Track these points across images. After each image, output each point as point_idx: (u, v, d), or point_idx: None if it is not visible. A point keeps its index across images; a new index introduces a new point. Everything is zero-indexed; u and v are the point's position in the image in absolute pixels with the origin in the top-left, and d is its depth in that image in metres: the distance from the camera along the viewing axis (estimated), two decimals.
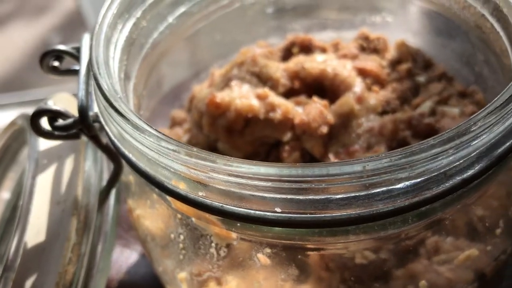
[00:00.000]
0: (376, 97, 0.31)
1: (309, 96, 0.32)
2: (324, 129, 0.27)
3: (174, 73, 0.35)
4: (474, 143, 0.17)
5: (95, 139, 0.23)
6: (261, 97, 0.29)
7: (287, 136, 0.28)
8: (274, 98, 0.29)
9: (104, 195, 0.25)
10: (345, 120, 0.29)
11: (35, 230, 0.23)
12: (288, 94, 0.31)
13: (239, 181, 0.17)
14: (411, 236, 0.22)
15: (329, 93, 0.31)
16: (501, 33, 0.25)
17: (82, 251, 0.24)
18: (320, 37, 0.37)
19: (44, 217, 0.24)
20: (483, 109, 0.17)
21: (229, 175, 0.17)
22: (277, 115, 0.28)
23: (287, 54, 0.36)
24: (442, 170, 0.17)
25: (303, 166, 0.17)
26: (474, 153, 0.17)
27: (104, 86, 0.20)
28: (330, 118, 0.28)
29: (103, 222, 0.26)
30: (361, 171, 0.16)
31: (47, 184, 0.25)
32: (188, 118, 0.33)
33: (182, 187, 0.19)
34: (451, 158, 0.17)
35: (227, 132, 0.28)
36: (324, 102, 0.29)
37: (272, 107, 0.29)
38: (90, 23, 1.56)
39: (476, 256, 0.23)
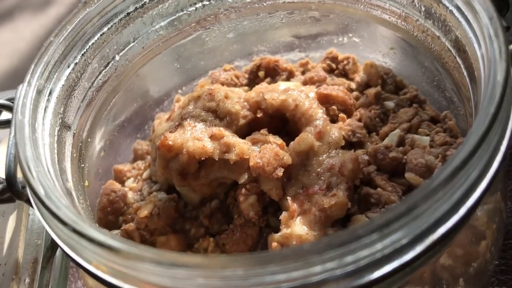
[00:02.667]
0: (339, 129, 0.29)
1: (274, 126, 0.30)
2: (280, 172, 0.26)
3: (135, 102, 0.33)
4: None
5: (29, 202, 0.22)
6: (215, 137, 0.27)
7: (244, 178, 0.27)
8: (230, 138, 0.27)
9: (50, 251, 0.24)
10: (305, 159, 0.27)
11: None
12: (252, 124, 0.30)
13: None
14: None
15: (292, 124, 0.30)
16: (462, 67, 0.23)
17: None
18: (288, 57, 0.35)
19: None
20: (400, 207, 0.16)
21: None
22: (233, 156, 0.27)
23: (254, 77, 0.35)
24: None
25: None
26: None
27: (32, 181, 0.19)
28: (287, 159, 0.27)
29: (50, 278, 0.25)
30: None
31: None
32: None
33: (103, 270, 0.18)
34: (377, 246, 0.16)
35: (180, 176, 0.27)
36: (281, 142, 0.27)
37: (227, 148, 0.27)
38: None
39: None
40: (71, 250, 0.19)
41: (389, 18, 0.27)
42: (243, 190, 0.27)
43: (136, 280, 0.17)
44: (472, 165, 0.17)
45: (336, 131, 0.28)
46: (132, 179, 0.32)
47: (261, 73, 0.34)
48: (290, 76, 0.34)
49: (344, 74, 0.33)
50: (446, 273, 0.22)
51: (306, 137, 0.27)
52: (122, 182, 0.31)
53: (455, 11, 0.22)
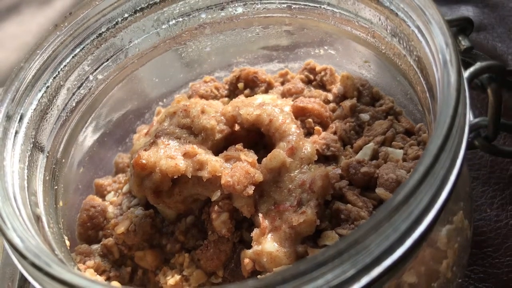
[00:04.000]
0: (313, 143, 0.29)
1: (250, 139, 0.31)
2: (250, 190, 0.26)
3: (115, 116, 0.34)
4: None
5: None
6: (189, 155, 0.28)
7: (217, 195, 0.27)
8: (202, 155, 0.28)
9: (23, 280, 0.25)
10: (276, 175, 0.28)
11: None
12: (230, 138, 0.30)
13: None
14: None
15: (267, 138, 0.30)
16: (425, 87, 0.23)
17: None
18: (268, 67, 0.35)
19: None
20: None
21: None
22: (205, 173, 0.27)
23: (233, 88, 0.35)
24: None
25: None
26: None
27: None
28: (258, 176, 0.27)
29: None
30: None
31: None
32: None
33: None
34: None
35: (154, 193, 0.28)
36: (252, 159, 0.28)
37: (200, 165, 0.28)
38: None
39: None
40: (34, 281, 0.19)
41: (359, 34, 0.28)
42: (216, 207, 0.28)
43: None
44: (416, 199, 0.17)
45: (309, 146, 0.28)
46: (112, 193, 0.32)
47: (240, 85, 0.35)
48: (269, 87, 0.35)
49: (322, 85, 0.34)
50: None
51: (278, 154, 0.28)
52: (103, 196, 0.32)
53: (416, 31, 0.23)
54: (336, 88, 0.33)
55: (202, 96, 0.34)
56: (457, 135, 0.18)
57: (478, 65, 0.21)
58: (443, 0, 0.52)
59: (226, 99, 0.35)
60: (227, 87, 0.35)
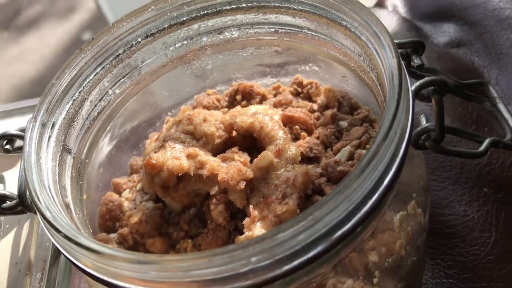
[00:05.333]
0: (298, 146, 0.34)
1: (245, 144, 0.36)
2: (242, 185, 0.31)
3: (131, 124, 0.39)
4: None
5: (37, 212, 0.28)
6: (191, 156, 0.33)
7: (215, 189, 0.32)
8: (203, 156, 0.33)
9: (56, 252, 0.30)
10: (265, 173, 0.33)
11: None
12: (228, 142, 0.36)
13: None
14: None
15: (259, 143, 0.35)
16: (383, 99, 0.28)
17: None
18: (262, 82, 0.41)
19: (5, 276, 0.29)
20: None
21: None
22: (205, 171, 0.32)
23: (232, 100, 0.40)
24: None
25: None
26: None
27: (41, 206, 0.25)
28: (250, 173, 0.32)
29: (57, 274, 0.31)
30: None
31: (8, 246, 0.30)
32: None
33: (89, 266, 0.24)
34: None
35: (163, 189, 0.33)
36: (244, 159, 0.33)
37: (201, 165, 0.33)
38: (110, 20, 1.64)
39: None
40: (65, 251, 0.24)
41: (334, 53, 0.33)
42: (214, 200, 0.33)
43: (111, 273, 0.23)
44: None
45: (293, 149, 0.33)
46: (128, 190, 0.38)
47: (238, 97, 0.40)
48: (263, 99, 0.40)
49: (308, 97, 0.39)
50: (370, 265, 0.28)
51: (266, 155, 0.33)
52: (119, 193, 0.37)
53: (375, 53, 0.28)
54: (320, 99, 0.38)
55: (205, 107, 0.40)
56: (395, 137, 0.23)
57: (424, 79, 0.26)
58: (429, 18, 0.56)
59: (226, 109, 0.40)
60: (227, 99, 0.40)
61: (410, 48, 0.28)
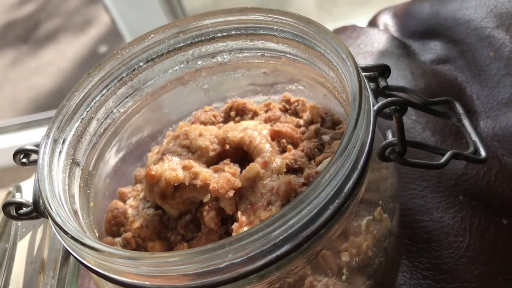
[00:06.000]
0: (284, 158, 0.38)
1: (237, 156, 0.40)
2: (231, 193, 0.35)
3: (135, 139, 0.43)
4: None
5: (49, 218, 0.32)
6: (186, 168, 0.37)
7: (207, 197, 0.36)
8: (197, 168, 0.37)
9: (66, 253, 0.34)
10: (252, 183, 0.36)
11: (15, 285, 0.33)
12: (221, 155, 0.39)
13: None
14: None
15: (249, 155, 0.39)
16: None
17: None
18: (255, 99, 0.45)
19: (22, 273, 0.33)
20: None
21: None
22: (198, 181, 0.36)
23: (227, 116, 0.44)
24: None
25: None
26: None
27: (51, 210, 0.29)
28: (238, 183, 0.36)
29: (67, 273, 0.35)
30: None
31: (24, 248, 0.34)
32: None
33: (92, 263, 0.28)
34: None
35: (161, 197, 0.37)
36: (234, 170, 0.37)
37: (195, 175, 0.37)
38: (125, 35, 1.69)
39: None
40: (73, 251, 0.28)
41: (313, 75, 0.36)
42: (206, 207, 0.36)
43: (111, 269, 0.27)
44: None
45: (279, 160, 0.37)
46: (132, 198, 0.42)
47: (232, 113, 0.44)
48: (254, 115, 0.44)
49: (295, 113, 0.42)
50: (342, 264, 0.31)
51: (253, 166, 0.36)
52: (124, 201, 0.41)
53: (344, 77, 0.31)
54: (306, 115, 0.42)
55: (202, 122, 0.43)
56: (354, 151, 0.27)
57: (385, 100, 0.30)
58: (418, 37, 0.60)
59: (222, 124, 0.44)
60: (222, 115, 0.44)
61: (377, 72, 0.32)
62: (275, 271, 0.27)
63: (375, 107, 0.30)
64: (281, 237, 0.25)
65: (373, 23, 0.62)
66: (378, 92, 0.33)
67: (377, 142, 0.31)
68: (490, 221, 0.42)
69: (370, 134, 0.28)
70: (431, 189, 0.44)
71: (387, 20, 0.62)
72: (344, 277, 0.30)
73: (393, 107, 0.30)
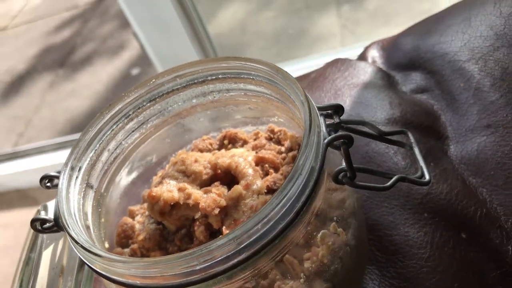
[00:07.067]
0: (265, 181, 0.45)
1: (227, 179, 0.47)
2: (216, 211, 0.42)
3: (142, 165, 0.51)
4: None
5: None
6: (181, 190, 0.44)
7: (198, 214, 0.43)
8: (190, 189, 0.44)
9: (81, 260, 0.42)
10: (236, 202, 0.43)
11: (40, 286, 0.40)
12: (212, 178, 0.47)
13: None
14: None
15: (236, 178, 0.46)
16: None
17: None
18: (245, 129, 0.52)
19: (46, 277, 0.41)
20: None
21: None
22: (191, 201, 0.43)
23: (222, 144, 0.51)
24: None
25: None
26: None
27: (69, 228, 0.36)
28: (223, 202, 0.43)
29: (83, 277, 0.42)
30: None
31: (48, 256, 0.42)
32: None
33: (99, 268, 0.35)
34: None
35: (160, 214, 0.44)
36: (220, 191, 0.44)
37: (188, 196, 0.44)
38: (152, 59, 1.79)
39: None
40: (84, 258, 0.36)
41: (286, 112, 0.43)
42: (197, 223, 0.43)
43: (112, 271, 0.34)
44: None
45: (259, 183, 0.44)
46: (139, 215, 0.49)
47: (226, 141, 0.51)
48: (244, 143, 0.51)
49: (278, 141, 0.49)
50: (304, 270, 0.38)
51: (237, 188, 0.43)
52: (133, 218, 0.49)
53: (302, 115, 0.38)
54: (287, 143, 0.48)
55: (200, 150, 0.51)
56: (305, 176, 0.33)
57: (335, 134, 0.36)
58: (401, 69, 0.66)
59: (217, 151, 0.51)
60: (217, 142, 0.52)
61: (332, 110, 0.39)
62: (240, 273, 0.34)
63: (326, 140, 0.36)
64: (242, 246, 0.32)
65: (363, 56, 0.69)
66: (337, 126, 0.40)
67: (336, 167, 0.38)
68: (450, 235, 0.48)
69: (319, 162, 0.35)
70: (400, 207, 0.50)
71: (375, 53, 0.68)
72: (302, 280, 0.37)
73: (341, 140, 0.37)
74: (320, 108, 0.39)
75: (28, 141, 2.58)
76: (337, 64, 0.66)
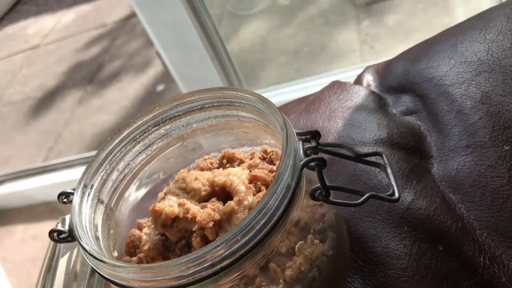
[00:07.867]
0: (255, 198, 0.50)
1: (223, 195, 0.52)
2: (211, 224, 0.48)
3: (149, 184, 0.57)
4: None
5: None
6: (181, 205, 0.50)
7: (195, 227, 0.49)
8: (188, 205, 0.50)
9: (92, 271, 0.48)
10: (229, 216, 0.48)
11: None
12: (210, 194, 0.52)
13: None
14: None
15: (231, 194, 0.52)
16: None
17: None
18: (242, 149, 0.57)
19: (61, 282, 0.47)
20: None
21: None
22: (189, 215, 0.49)
23: (221, 163, 0.57)
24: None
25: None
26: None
27: (81, 240, 0.42)
28: (217, 216, 0.48)
29: (94, 282, 0.48)
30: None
31: (64, 262, 0.48)
32: None
33: (104, 272, 0.41)
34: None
35: (162, 226, 0.50)
36: (214, 206, 0.49)
37: (187, 211, 0.49)
38: (174, 76, 1.86)
39: None
40: (92, 265, 0.42)
41: (273, 136, 0.49)
42: (195, 234, 0.49)
43: (116, 276, 0.40)
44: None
45: (250, 198, 0.49)
46: (147, 227, 0.55)
47: (224, 161, 0.56)
48: (241, 162, 0.56)
49: (271, 161, 0.55)
50: (285, 277, 0.43)
51: (230, 203, 0.49)
52: (140, 230, 0.55)
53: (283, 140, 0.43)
54: (278, 163, 0.54)
55: (201, 168, 0.56)
56: (281, 193, 0.39)
57: (309, 157, 0.42)
58: (392, 92, 0.71)
59: (217, 169, 0.57)
60: (217, 162, 0.57)
61: (310, 135, 0.44)
62: (224, 278, 0.39)
63: (302, 162, 0.42)
64: (223, 255, 0.38)
65: (359, 80, 0.74)
66: (316, 149, 0.45)
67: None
68: (427, 247, 0.52)
69: (294, 181, 0.40)
70: (382, 221, 0.54)
71: (369, 77, 0.73)
72: (281, 285, 0.42)
73: (315, 162, 0.42)
74: (299, 134, 0.44)
75: (57, 155, 2.68)
76: (334, 87, 0.71)
